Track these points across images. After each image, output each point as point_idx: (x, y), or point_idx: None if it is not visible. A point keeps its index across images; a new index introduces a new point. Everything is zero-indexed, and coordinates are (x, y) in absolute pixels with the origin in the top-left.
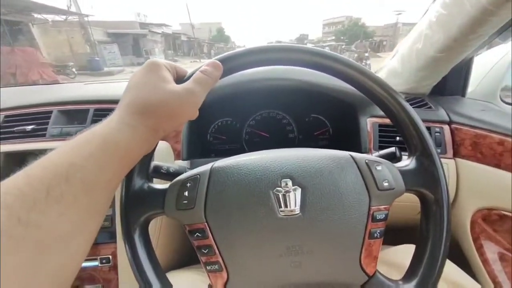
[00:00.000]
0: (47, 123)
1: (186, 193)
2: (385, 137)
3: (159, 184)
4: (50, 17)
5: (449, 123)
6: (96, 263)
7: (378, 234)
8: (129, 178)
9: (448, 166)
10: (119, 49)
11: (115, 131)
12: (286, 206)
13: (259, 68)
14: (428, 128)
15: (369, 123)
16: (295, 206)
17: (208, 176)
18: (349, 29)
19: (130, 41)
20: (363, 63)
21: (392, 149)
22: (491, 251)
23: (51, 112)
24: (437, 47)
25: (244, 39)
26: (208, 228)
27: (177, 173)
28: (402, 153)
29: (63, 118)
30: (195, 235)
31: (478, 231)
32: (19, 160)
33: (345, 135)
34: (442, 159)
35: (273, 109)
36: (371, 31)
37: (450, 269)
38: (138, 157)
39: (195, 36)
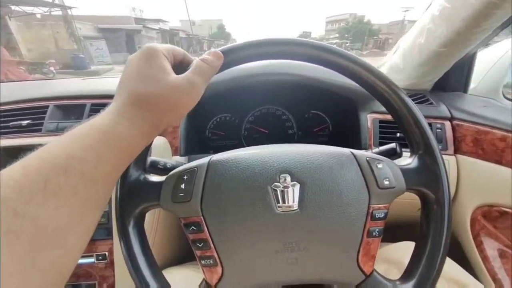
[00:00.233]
0: (43, 118)
1: (182, 186)
2: (385, 133)
3: (155, 177)
4: (29, 9)
5: (451, 119)
6: (92, 259)
7: (377, 233)
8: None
9: (449, 162)
10: (111, 46)
11: (114, 123)
12: (284, 201)
13: (259, 62)
14: (429, 125)
15: (370, 119)
16: (293, 202)
17: (205, 169)
18: (353, 27)
19: (123, 37)
20: None
21: (393, 145)
22: (491, 248)
23: (47, 107)
24: (440, 41)
25: (245, 36)
26: (203, 222)
27: (174, 169)
28: (403, 149)
29: (59, 113)
30: (191, 229)
31: (478, 228)
32: (15, 155)
33: (345, 132)
34: (443, 156)
35: (272, 105)
36: (376, 29)
37: (450, 266)
38: (137, 151)
39: (193, 33)
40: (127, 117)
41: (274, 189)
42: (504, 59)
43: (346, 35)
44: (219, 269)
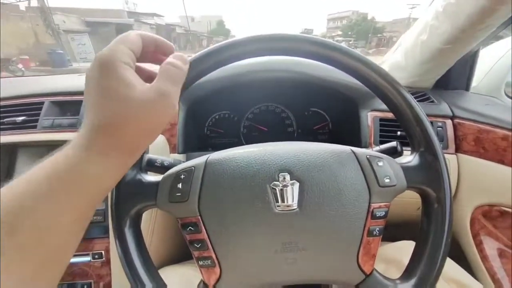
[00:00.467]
0: (38, 115)
1: (179, 185)
2: (386, 131)
3: (152, 176)
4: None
5: (452, 117)
6: (88, 258)
7: (377, 232)
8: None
9: (449, 161)
10: (101, 41)
11: (80, 160)
12: (283, 201)
13: (258, 59)
14: (430, 123)
15: (370, 117)
16: (293, 201)
17: (203, 168)
18: (357, 24)
19: (113, 32)
20: None
21: (393, 143)
22: (491, 247)
23: (42, 103)
24: (443, 38)
25: (245, 33)
26: (201, 222)
27: (172, 167)
28: (403, 148)
29: (55, 109)
30: (188, 229)
31: (478, 228)
32: (9, 152)
33: (345, 130)
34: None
35: (272, 102)
36: (380, 27)
37: (449, 266)
38: (110, 187)
39: (190, 28)
40: (98, 151)
41: (273, 188)
42: (506, 57)
43: (350, 33)
44: (217, 270)
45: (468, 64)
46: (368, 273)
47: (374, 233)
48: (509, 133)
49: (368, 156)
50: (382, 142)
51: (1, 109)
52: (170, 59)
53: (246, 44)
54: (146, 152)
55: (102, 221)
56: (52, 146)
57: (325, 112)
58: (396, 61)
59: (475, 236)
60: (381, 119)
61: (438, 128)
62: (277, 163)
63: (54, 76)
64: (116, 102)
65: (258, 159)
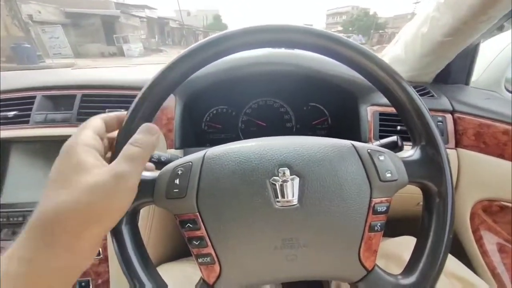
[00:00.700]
0: (30, 109)
1: (177, 181)
2: (386, 126)
3: (149, 172)
4: None
5: (452, 112)
6: None
7: (379, 227)
8: None
9: (449, 156)
10: (85, 35)
11: (31, 266)
12: (283, 196)
13: (256, 51)
14: None
15: (370, 111)
16: (293, 196)
17: (201, 163)
18: (358, 20)
19: (99, 25)
20: None
21: (394, 138)
22: (491, 242)
23: (34, 97)
24: (444, 30)
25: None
26: (200, 219)
27: (169, 162)
28: (404, 142)
29: (48, 103)
30: (186, 226)
31: (477, 223)
32: (2, 148)
33: (344, 125)
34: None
35: (270, 97)
36: (382, 22)
37: (450, 261)
38: (71, 283)
39: (184, 22)
40: (47, 251)
41: (272, 183)
42: (506, 51)
43: (350, 29)
44: (216, 267)
45: (468, 58)
46: (370, 269)
47: (376, 228)
48: (509, 127)
49: (369, 150)
50: (382, 137)
51: None
52: (135, 135)
53: (240, 36)
54: None
55: None
56: (46, 142)
57: (324, 107)
58: (396, 54)
59: (475, 231)
60: (381, 114)
61: (438, 123)
62: (276, 158)
63: (46, 70)
64: (67, 191)
65: (257, 153)
